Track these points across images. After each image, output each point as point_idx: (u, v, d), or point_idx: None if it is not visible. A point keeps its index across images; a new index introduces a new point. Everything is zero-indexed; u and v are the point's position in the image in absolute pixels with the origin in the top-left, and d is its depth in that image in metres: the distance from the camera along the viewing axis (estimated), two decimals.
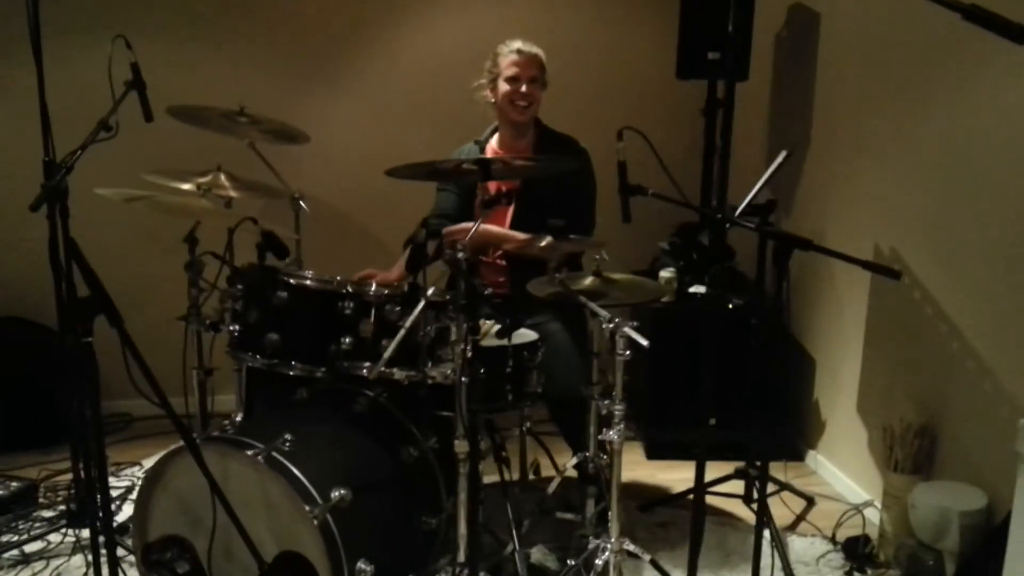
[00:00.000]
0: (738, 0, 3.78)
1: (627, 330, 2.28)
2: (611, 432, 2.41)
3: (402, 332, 2.25)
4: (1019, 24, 1.52)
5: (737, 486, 3.43)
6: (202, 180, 2.94)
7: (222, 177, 2.99)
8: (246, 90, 3.33)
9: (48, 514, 3.27)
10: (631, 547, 2.48)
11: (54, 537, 3.06)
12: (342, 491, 2.26)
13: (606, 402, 2.44)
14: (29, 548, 3.00)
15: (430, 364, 2.42)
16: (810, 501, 3.48)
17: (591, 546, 2.51)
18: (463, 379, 2.18)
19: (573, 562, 2.61)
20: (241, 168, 3.10)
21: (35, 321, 4.04)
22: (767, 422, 3.66)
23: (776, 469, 3.64)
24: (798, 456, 3.94)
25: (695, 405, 3.78)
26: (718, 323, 3.71)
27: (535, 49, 3.23)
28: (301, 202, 3.09)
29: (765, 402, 3.66)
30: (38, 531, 3.09)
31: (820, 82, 3.78)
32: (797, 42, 3.97)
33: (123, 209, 3.03)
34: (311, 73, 4.41)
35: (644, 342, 2.25)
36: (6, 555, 2.96)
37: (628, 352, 2.32)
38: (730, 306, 3.72)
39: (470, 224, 2.91)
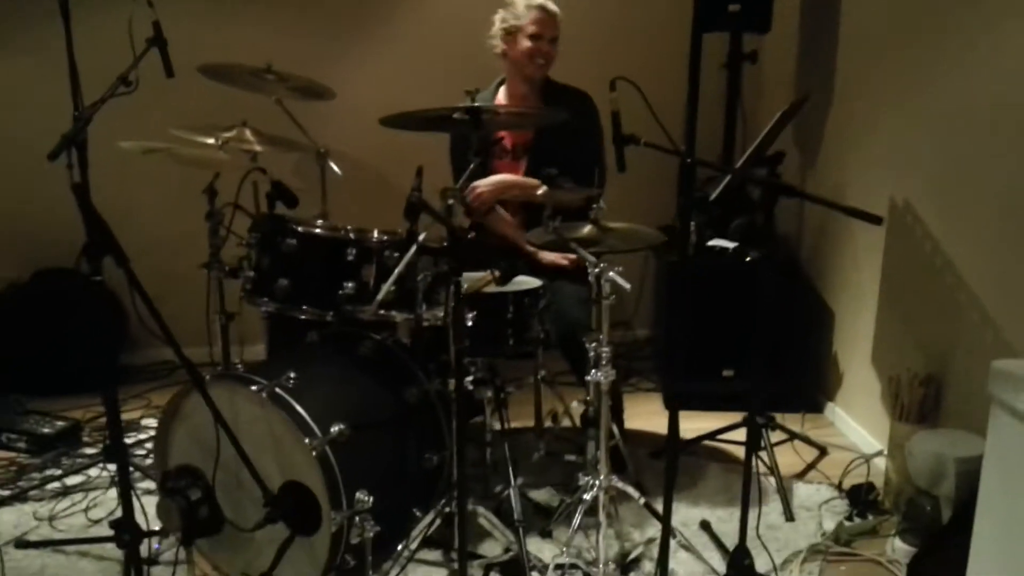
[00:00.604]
0: None
1: (611, 274, 2.35)
2: (599, 373, 2.48)
3: (395, 274, 2.35)
4: None
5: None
6: (227, 135, 3.08)
7: (247, 132, 3.12)
8: (273, 47, 3.44)
9: (91, 451, 3.49)
10: (620, 484, 2.57)
11: (93, 472, 3.27)
12: (341, 426, 2.39)
13: (593, 344, 2.50)
14: (70, 481, 3.22)
15: (425, 307, 2.52)
16: (822, 451, 3.52)
17: (581, 483, 2.61)
18: (449, 320, 2.27)
19: (569, 500, 2.71)
20: (268, 124, 3.23)
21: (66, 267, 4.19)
22: (778, 373, 3.72)
23: (794, 420, 3.68)
24: (817, 408, 3.97)
25: (713, 357, 3.86)
26: (734, 276, 3.74)
27: (557, 8, 3.30)
28: (327, 158, 3.21)
29: (780, 353, 3.71)
30: (78, 466, 3.31)
31: (843, 34, 3.75)
32: None
33: (151, 163, 3.18)
34: (337, 30, 4.51)
35: (626, 285, 2.32)
36: (49, 487, 3.18)
37: (613, 296, 2.38)
38: (747, 259, 3.75)
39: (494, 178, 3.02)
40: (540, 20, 3.26)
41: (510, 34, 3.30)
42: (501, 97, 3.40)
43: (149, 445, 3.46)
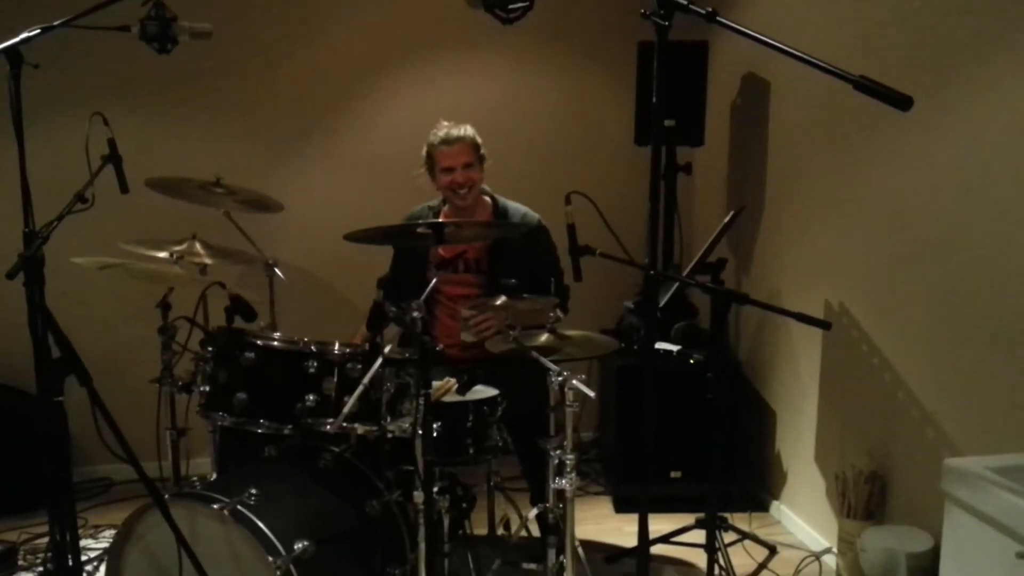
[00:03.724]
0: (693, 70, 4.01)
1: (575, 382, 2.40)
2: (563, 480, 2.50)
3: (360, 388, 2.37)
4: (905, 94, 1.68)
5: (701, 536, 3.50)
6: (177, 248, 3.08)
7: (197, 245, 3.14)
8: (222, 162, 3.48)
9: None
10: None
11: None
12: (305, 542, 2.36)
13: (558, 451, 2.53)
14: None
15: (389, 419, 2.53)
16: (772, 550, 3.56)
17: None
18: (419, 432, 2.29)
19: None
20: (217, 236, 3.25)
21: (14, 387, 4.14)
22: (726, 473, 3.80)
23: (741, 520, 3.73)
24: (762, 507, 4.03)
25: (661, 459, 3.91)
26: (679, 378, 3.82)
27: (462, 132, 3.32)
28: (276, 268, 3.23)
29: (727, 454, 3.80)
30: None
31: (772, 147, 3.96)
32: (751, 109, 4.16)
33: (103, 279, 3.16)
34: (285, 145, 4.59)
35: (591, 393, 2.37)
36: None
37: (576, 404, 2.43)
38: (691, 361, 3.85)
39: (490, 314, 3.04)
40: (446, 153, 3.30)
41: (431, 170, 3.38)
42: (447, 210, 3.47)
43: (89, 568, 3.33)
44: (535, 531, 3.16)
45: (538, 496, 3.18)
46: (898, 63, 2.93)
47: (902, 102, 1.65)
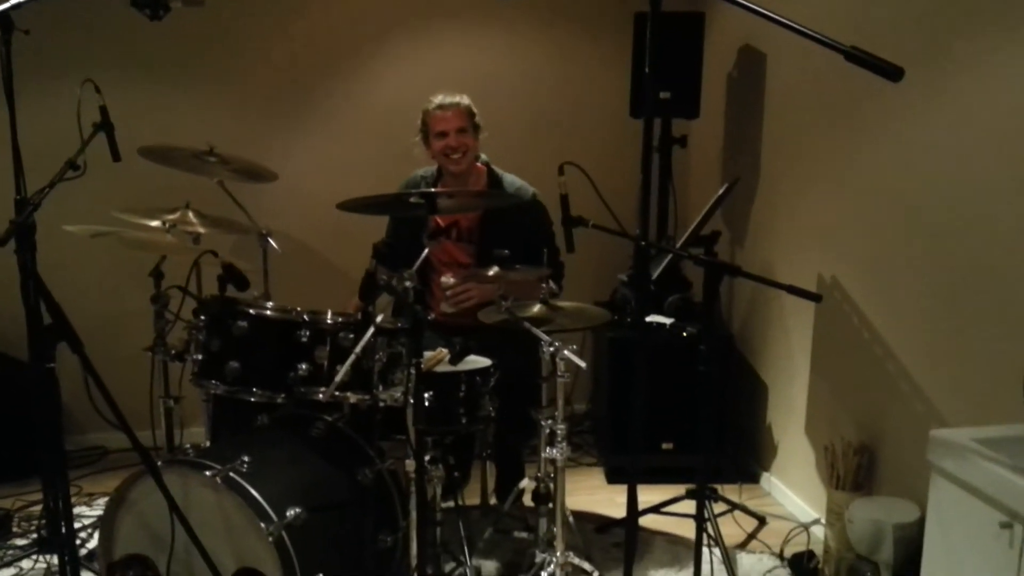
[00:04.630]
0: (689, 41, 3.99)
1: (566, 352, 2.41)
2: (554, 450, 2.52)
3: (352, 357, 2.38)
4: (895, 64, 1.68)
5: (691, 507, 3.53)
6: (170, 217, 3.08)
7: (190, 214, 3.13)
8: (215, 131, 3.46)
9: (21, 542, 3.36)
10: (575, 560, 2.60)
11: (26, 564, 3.16)
12: (298, 509, 2.38)
13: (549, 421, 2.55)
14: (2, 574, 3.09)
15: (381, 388, 2.54)
16: (761, 520, 3.60)
17: (537, 560, 2.63)
18: (410, 401, 2.30)
19: None
20: (211, 206, 3.24)
21: (6, 354, 4.14)
22: (718, 445, 3.83)
23: (731, 491, 3.75)
24: (753, 478, 4.06)
25: (652, 431, 3.93)
26: (671, 351, 3.84)
27: (457, 99, 3.36)
28: (269, 238, 3.23)
29: (719, 426, 3.82)
30: (10, 558, 3.18)
31: (767, 119, 3.95)
32: (746, 81, 4.15)
33: (96, 246, 3.15)
34: (279, 114, 4.56)
35: (582, 363, 2.38)
36: None
37: (568, 374, 2.44)
38: (684, 334, 3.86)
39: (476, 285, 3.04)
40: (440, 118, 3.33)
41: (426, 137, 3.40)
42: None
43: (83, 535, 3.36)
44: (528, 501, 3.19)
45: (511, 470, 3.24)
46: (893, 36, 2.92)
47: (893, 72, 1.65)
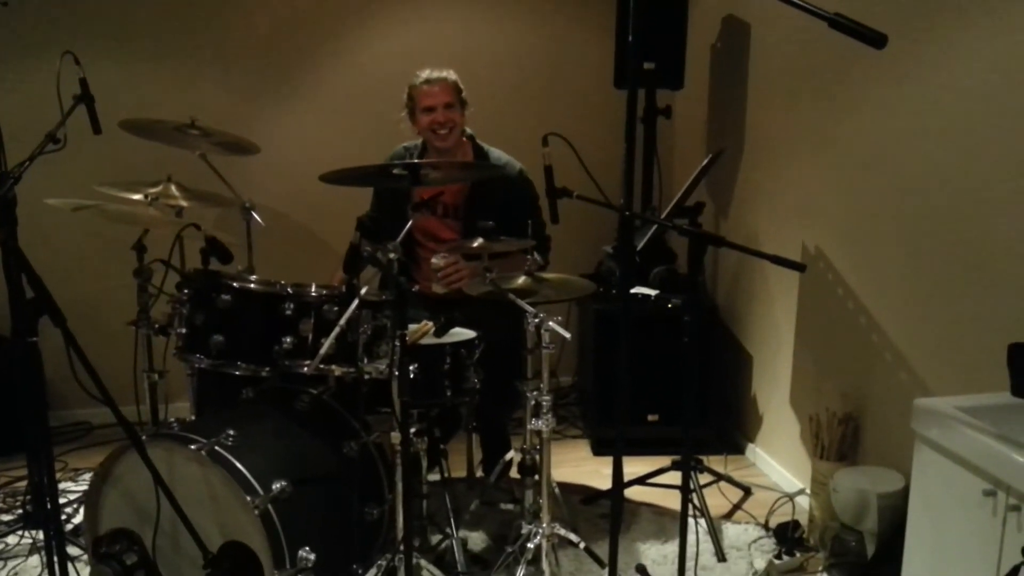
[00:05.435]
0: (673, 12, 3.97)
1: (551, 323, 2.40)
2: (539, 422, 2.52)
3: (337, 329, 2.37)
4: (879, 31, 1.67)
5: (676, 478, 3.55)
6: (152, 190, 3.05)
7: (172, 187, 3.10)
8: (197, 104, 3.44)
9: (6, 518, 3.35)
10: (562, 531, 2.61)
11: (11, 539, 3.15)
12: (283, 483, 2.37)
13: (535, 393, 2.55)
14: None
15: (366, 360, 2.53)
16: (747, 491, 3.62)
17: (524, 531, 2.64)
18: (395, 373, 2.29)
19: (510, 549, 2.73)
20: (193, 179, 3.21)
21: None
22: (702, 416, 3.85)
23: (716, 462, 3.78)
24: (739, 450, 4.09)
25: (638, 403, 3.95)
26: (656, 322, 3.84)
27: (444, 74, 3.34)
28: (252, 211, 3.21)
29: (703, 397, 3.84)
30: None
31: (752, 89, 3.94)
32: (730, 51, 4.13)
33: (78, 220, 3.13)
34: (261, 87, 4.53)
35: (567, 334, 2.38)
36: None
37: (552, 345, 2.44)
38: (669, 306, 3.86)
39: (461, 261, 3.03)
40: (427, 92, 3.31)
41: (412, 112, 3.37)
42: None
43: (69, 510, 3.35)
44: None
45: (497, 443, 3.25)
46: (878, 4, 2.91)
47: (876, 39, 1.65)
